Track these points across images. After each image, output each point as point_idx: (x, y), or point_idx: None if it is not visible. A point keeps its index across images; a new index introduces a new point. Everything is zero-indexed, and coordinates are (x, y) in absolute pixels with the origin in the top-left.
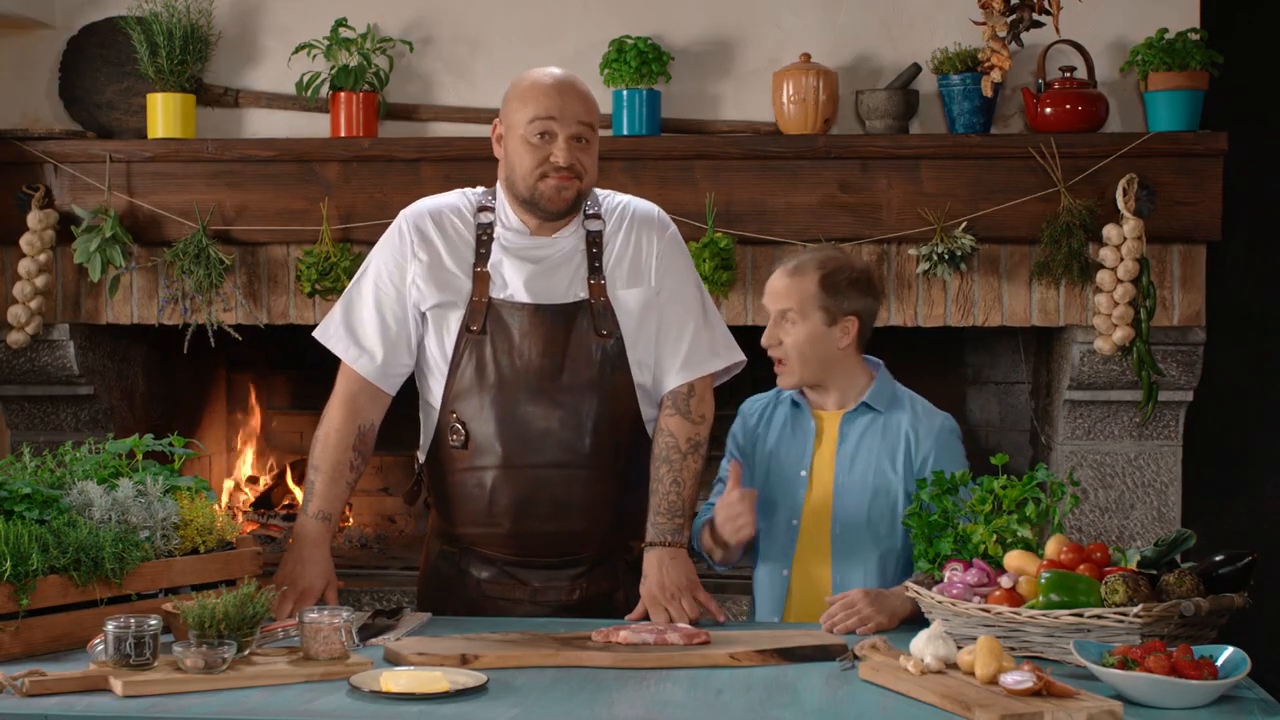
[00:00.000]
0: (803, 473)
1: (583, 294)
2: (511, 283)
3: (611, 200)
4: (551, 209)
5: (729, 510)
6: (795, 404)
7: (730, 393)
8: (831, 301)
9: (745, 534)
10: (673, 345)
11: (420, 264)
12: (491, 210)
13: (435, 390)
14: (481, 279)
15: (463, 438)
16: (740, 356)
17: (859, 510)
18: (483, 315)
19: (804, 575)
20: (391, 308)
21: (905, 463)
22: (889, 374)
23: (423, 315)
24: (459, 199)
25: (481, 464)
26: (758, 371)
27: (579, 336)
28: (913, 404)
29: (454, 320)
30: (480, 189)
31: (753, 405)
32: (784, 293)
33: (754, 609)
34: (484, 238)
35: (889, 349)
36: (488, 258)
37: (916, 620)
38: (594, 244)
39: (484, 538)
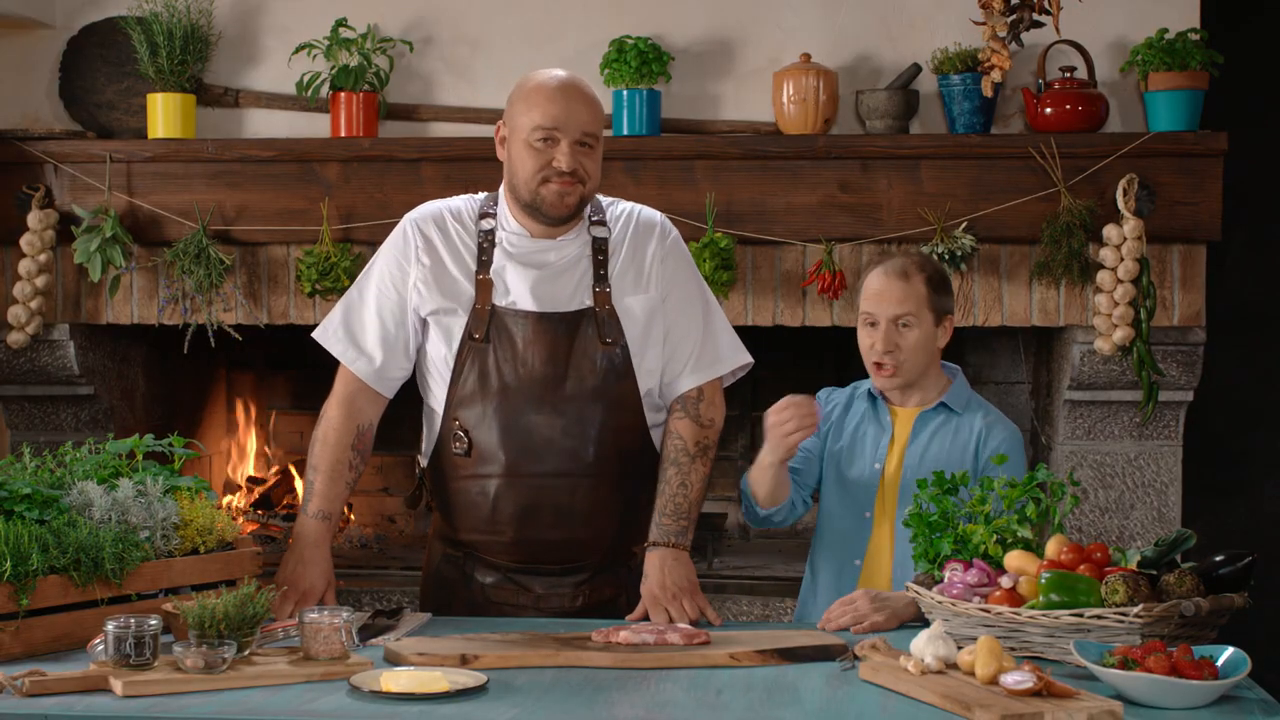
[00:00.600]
0: (877, 465)
1: (587, 302)
2: (515, 289)
3: (616, 207)
4: (553, 214)
5: (782, 413)
6: (872, 400)
7: (729, 394)
8: (939, 302)
9: (796, 438)
10: (681, 350)
11: (423, 268)
12: (493, 216)
13: (438, 395)
14: (484, 286)
15: (466, 445)
16: (747, 358)
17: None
18: (485, 323)
19: (879, 568)
20: (392, 311)
21: (974, 463)
22: (965, 380)
23: (423, 320)
24: (464, 203)
25: (484, 472)
26: (759, 371)
27: (583, 345)
28: (985, 409)
29: (456, 327)
30: (483, 194)
31: (830, 395)
32: (902, 298)
33: (804, 603)
34: (486, 244)
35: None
36: (490, 264)
37: (918, 621)
38: (600, 251)
39: (487, 544)
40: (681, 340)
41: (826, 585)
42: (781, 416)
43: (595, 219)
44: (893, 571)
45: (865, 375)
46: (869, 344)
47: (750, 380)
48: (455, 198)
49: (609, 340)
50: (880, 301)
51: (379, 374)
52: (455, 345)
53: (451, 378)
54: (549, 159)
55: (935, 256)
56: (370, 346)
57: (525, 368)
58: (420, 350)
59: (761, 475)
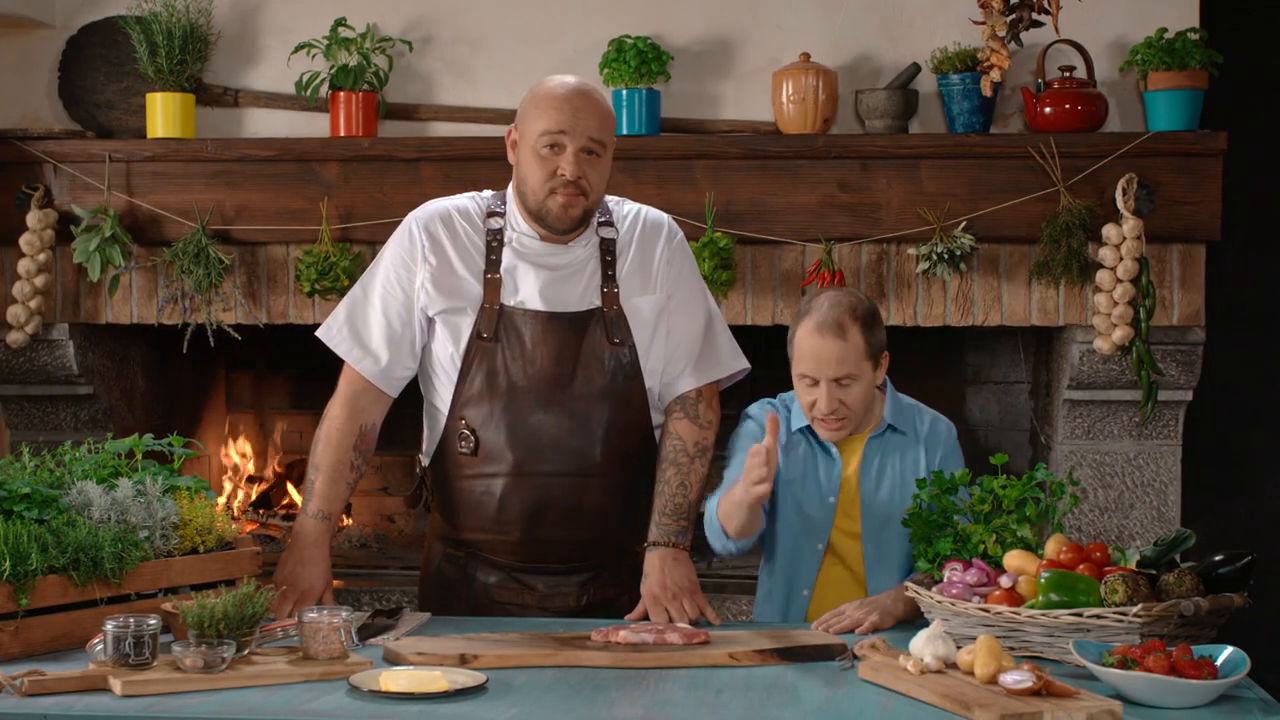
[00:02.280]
0: (831, 499)
1: (596, 302)
2: (525, 289)
3: (623, 208)
4: (558, 226)
5: (754, 459)
6: (810, 432)
7: (729, 394)
8: (875, 346)
9: (760, 491)
10: (683, 351)
11: (430, 268)
12: (501, 215)
13: (443, 395)
14: (492, 285)
15: (472, 444)
16: (745, 364)
17: (891, 527)
18: (494, 322)
19: (825, 597)
20: (398, 311)
21: (924, 471)
22: (890, 385)
23: (429, 320)
24: (469, 202)
25: (491, 471)
26: (757, 371)
27: (591, 345)
28: (918, 415)
29: (464, 326)
30: (489, 193)
31: (763, 411)
32: (840, 358)
33: (760, 610)
34: (494, 243)
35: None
36: (499, 264)
37: (915, 619)
38: (608, 252)
39: (492, 544)
40: (683, 341)
41: (775, 609)
42: (751, 464)
43: (603, 220)
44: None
45: None
46: (810, 401)
47: (750, 380)
48: (459, 196)
49: (617, 340)
50: (819, 364)
51: (384, 373)
52: (463, 344)
53: (459, 377)
54: (555, 167)
55: (934, 255)
56: (376, 346)
57: (534, 367)
58: (425, 349)
59: (736, 510)
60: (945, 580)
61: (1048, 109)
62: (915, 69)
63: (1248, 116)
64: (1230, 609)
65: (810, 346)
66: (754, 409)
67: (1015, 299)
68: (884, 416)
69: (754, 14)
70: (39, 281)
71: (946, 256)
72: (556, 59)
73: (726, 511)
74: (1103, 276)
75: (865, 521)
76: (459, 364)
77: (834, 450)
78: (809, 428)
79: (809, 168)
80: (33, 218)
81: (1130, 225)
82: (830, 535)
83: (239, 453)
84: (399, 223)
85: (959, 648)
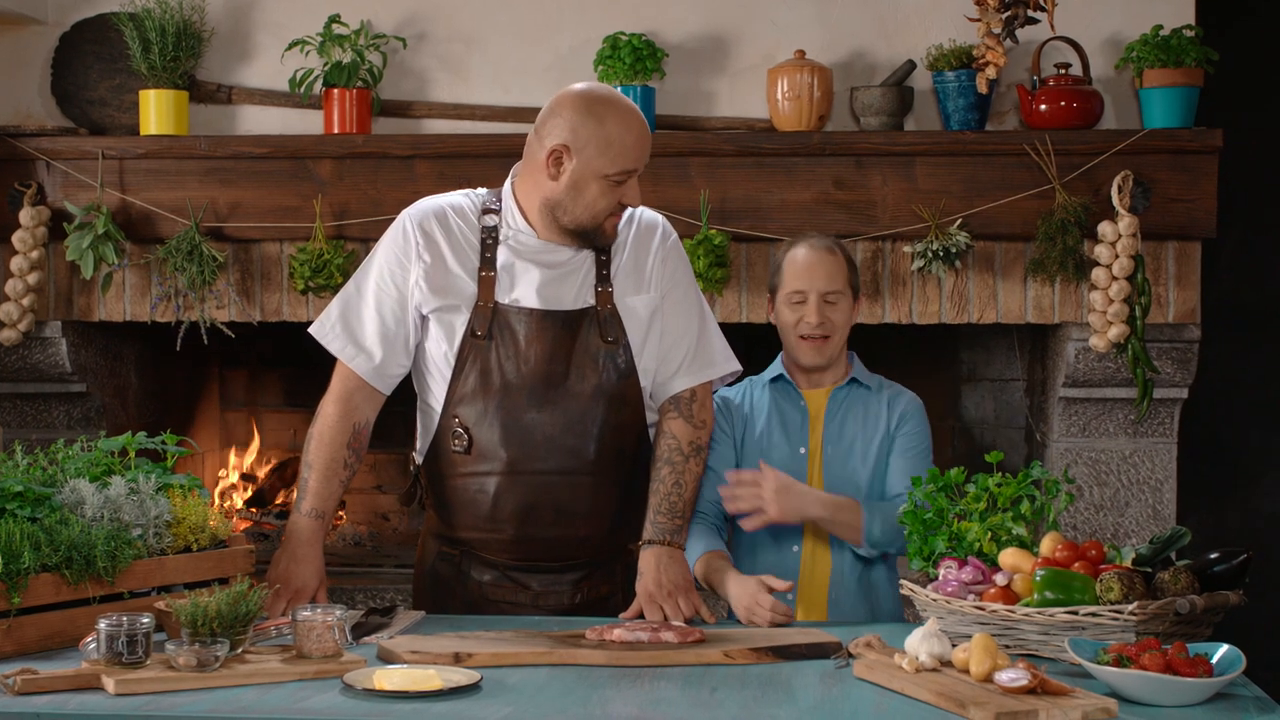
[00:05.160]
0: (802, 450)
1: (590, 301)
2: (521, 286)
3: None
4: (606, 243)
5: (757, 602)
6: (779, 386)
7: None
8: (855, 280)
9: (760, 621)
10: (676, 351)
11: (424, 265)
12: (496, 213)
13: (436, 393)
14: (486, 283)
15: (466, 442)
16: (737, 366)
17: (853, 480)
18: (488, 320)
19: (810, 550)
20: (392, 308)
21: (884, 431)
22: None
23: (423, 317)
24: (463, 200)
25: (484, 469)
26: (752, 370)
27: (584, 343)
28: (887, 383)
29: (458, 324)
30: (484, 190)
31: (728, 392)
32: (832, 273)
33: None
34: (489, 240)
35: (884, 345)
36: (493, 261)
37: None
38: (602, 251)
39: (485, 542)
40: (677, 341)
41: (765, 571)
42: (759, 603)
43: None
44: (831, 548)
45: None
46: (796, 319)
47: (745, 377)
48: (453, 193)
49: (610, 339)
50: (811, 277)
51: (378, 371)
52: (457, 342)
53: (452, 375)
54: (620, 195)
55: (929, 253)
56: (369, 343)
57: (527, 365)
58: (418, 347)
59: (712, 586)
60: (940, 578)
61: (1043, 106)
62: (910, 66)
63: (1243, 113)
64: (1226, 607)
65: (803, 260)
66: (723, 390)
67: (1010, 296)
68: (851, 373)
69: (749, 11)
70: (32, 279)
71: (942, 254)
72: (551, 56)
73: (711, 586)
74: (1098, 274)
75: (826, 473)
76: (452, 362)
77: (801, 404)
78: (775, 381)
79: (804, 165)
80: (25, 215)
81: (1126, 222)
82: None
83: (233, 451)
84: (393, 220)
85: (954, 646)
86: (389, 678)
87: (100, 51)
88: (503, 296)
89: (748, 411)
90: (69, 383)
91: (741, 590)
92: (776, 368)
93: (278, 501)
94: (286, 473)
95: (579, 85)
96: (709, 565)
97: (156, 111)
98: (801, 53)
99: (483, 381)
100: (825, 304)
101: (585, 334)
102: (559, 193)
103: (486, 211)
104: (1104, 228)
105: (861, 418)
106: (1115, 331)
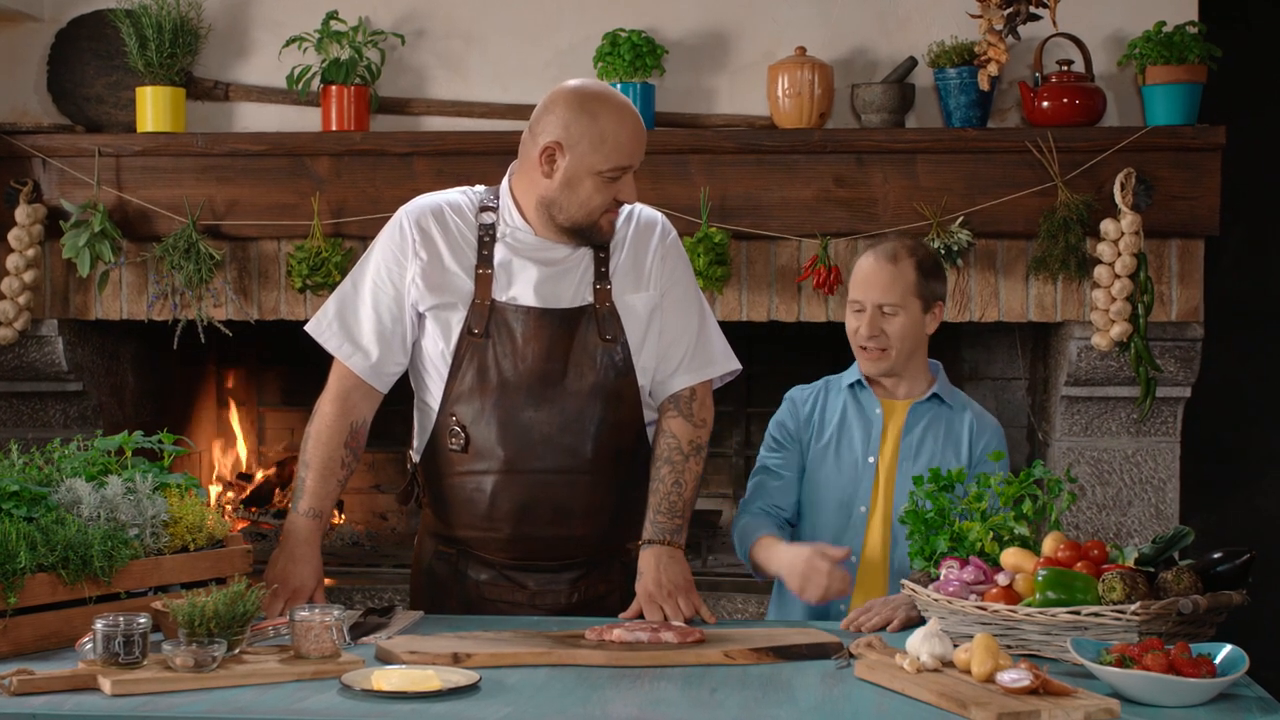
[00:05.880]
0: (871, 459)
1: (588, 298)
2: (518, 284)
3: None
4: (602, 240)
5: (813, 568)
6: (857, 392)
7: (725, 390)
8: (928, 288)
9: (812, 598)
10: (676, 349)
11: (421, 263)
12: (494, 210)
13: (433, 391)
14: (484, 280)
15: (463, 441)
16: (737, 364)
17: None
18: (485, 318)
19: (868, 563)
20: (389, 306)
21: (967, 455)
22: (945, 375)
23: (420, 315)
24: (461, 197)
25: (481, 468)
26: (753, 368)
27: (582, 341)
28: (971, 405)
29: (455, 321)
30: (482, 187)
31: (803, 393)
32: (888, 284)
33: (785, 602)
34: (486, 238)
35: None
36: (491, 259)
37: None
38: (601, 248)
39: (482, 541)
40: (677, 339)
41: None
42: (820, 572)
43: None
44: (890, 565)
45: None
46: (854, 328)
47: (745, 377)
48: (450, 191)
49: (609, 337)
50: (867, 288)
51: (375, 369)
52: (454, 340)
53: (449, 373)
54: (615, 191)
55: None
56: (366, 341)
57: (524, 363)
58: (415, 345)
59: (769, 570)
60: (942, 578)
61: (1045, 103)
62: (912, 63)
63: (1247, 111)
64: (1229, 607)
65: (862, 270)
66: (794, 392)
67: (1012, 295)
68: (935, 388)
69: (749, 7)
70: (28, 277)
71: (943, 252)
72: (550, 53)
73: (762, 565)
74: (1101, 272)
75: (900, 486)
76: (449, 360)
77: (875, 412)
78: (853, 386)
79: (805, 162)
80: (21, 213)
81: (1128, 220)
82: (871, 499)
83: (229, 449)
84: (391, 217)
85: (956, 646)
86: (387, 678)
87: (97, 48)
88: (500, 294)
89: (817, 416)
90: (65, 381)
91: (796, 557)
92: (855, 372)
93: (275, 501)
94: (284, 472)
95: (573, 81)
96: (761, 543)
97: (153, 108)
98: (802, 49)
99: (480, 380)
100: (881, 315)
101: (583, 332)
102: (553, 190)
103: (484, 209)
104: (1106, 225)
105: (943, 437)
106: (1118, 330)
